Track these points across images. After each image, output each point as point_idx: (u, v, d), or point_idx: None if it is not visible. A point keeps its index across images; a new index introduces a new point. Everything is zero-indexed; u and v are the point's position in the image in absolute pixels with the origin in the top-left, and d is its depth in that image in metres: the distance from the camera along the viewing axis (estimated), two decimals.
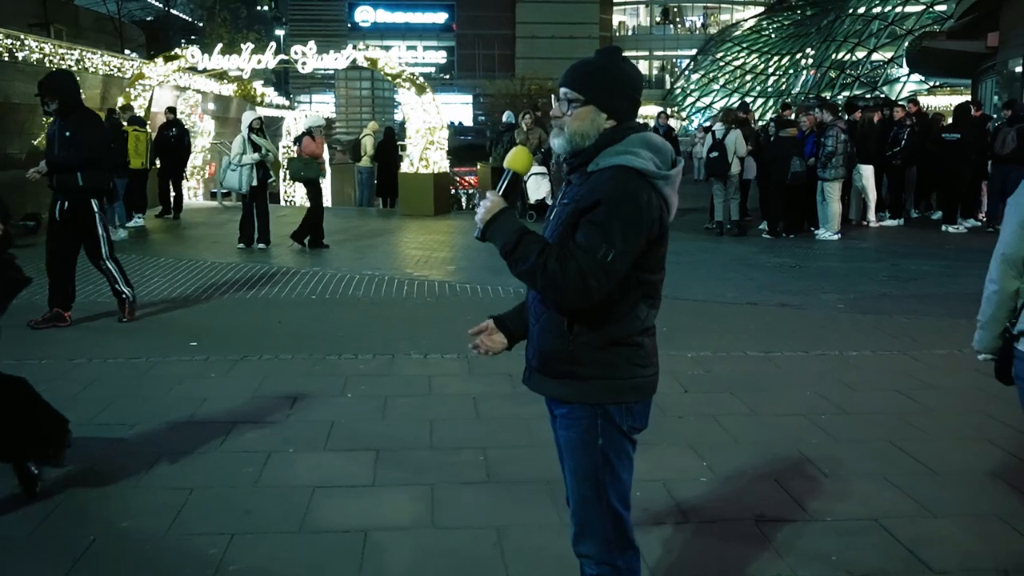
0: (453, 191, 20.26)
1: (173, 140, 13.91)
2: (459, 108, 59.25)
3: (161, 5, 42.79)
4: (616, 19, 68.94)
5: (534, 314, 2.37)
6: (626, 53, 2.44)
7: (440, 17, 66.55)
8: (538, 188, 13.31)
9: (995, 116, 14.04)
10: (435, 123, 14.68)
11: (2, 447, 3.65)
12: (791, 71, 53.53)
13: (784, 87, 52.31)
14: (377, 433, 4.60)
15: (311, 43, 14.43)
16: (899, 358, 6.02)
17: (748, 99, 39.12)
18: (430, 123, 14.60)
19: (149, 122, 13.93)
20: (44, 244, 6.92)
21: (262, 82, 24.52)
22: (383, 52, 14.80)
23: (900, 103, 14.45)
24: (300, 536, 3.47)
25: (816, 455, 4.28)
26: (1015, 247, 2.80)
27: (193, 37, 41.89)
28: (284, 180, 18.66)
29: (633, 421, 2.33)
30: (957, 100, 26.29)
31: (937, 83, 38.38)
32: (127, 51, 28.36)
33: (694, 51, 64.37)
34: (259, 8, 63.42)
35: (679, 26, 70.46)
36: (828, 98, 37.52)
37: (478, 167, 19.35)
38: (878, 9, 47.12)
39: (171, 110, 14.55)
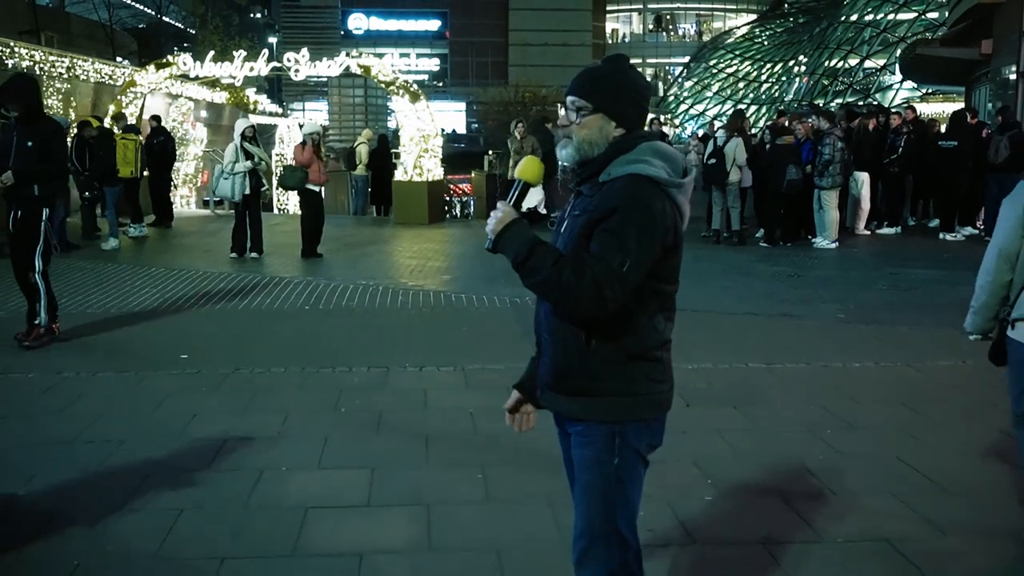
0: (448, 199, 20.17)
1: (157, 147, 13.73)
2: (452, 115, 59.18)
3: (153, 12, 42.73)
4: (609, 27, 69.03)
5: (547, 329, 2.29)
6: None
7: (433, 24, 66.47)
8: (530, 197, 13.22)
9: (989, 123, 14.02)
10: (429, 131, 14.59)
11: None
12: (784, 78, 53.64)
13: (777, 94, 52.41)
14: (372, 450, 4.48)
15: (304, 50, 14.32)
16: (902, 370, 5.94)
17: (742, 106, 39.13)
18: (424, 131, 14.51)
19: (140, 130, 13.80)
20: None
21: (255, 89, 24.39)
22: (376, 59, 14.69)
23: (896, 110, 14.40)
24: (293, 560, 3.35)
25: (822, 471, 4.18)
26: (1011, 243, 3.03)
27: (185, 44, 41.78)
28: (277, 188, 18.54)
29: (651, 438, 2.29)
30: (950, 107, 26.36)
31: (930, 90, 38.44)
32: (119, 58, 28.20)
33: (687, 58, 64.48)
34: (251, 15, 63.27)
35: (672, 33, 70.57)
36: (821, 105, 37.71)
37: (472, 175, 19.25)
38: (870, 16, 47.26)
39: (155, 118, 14.34)
